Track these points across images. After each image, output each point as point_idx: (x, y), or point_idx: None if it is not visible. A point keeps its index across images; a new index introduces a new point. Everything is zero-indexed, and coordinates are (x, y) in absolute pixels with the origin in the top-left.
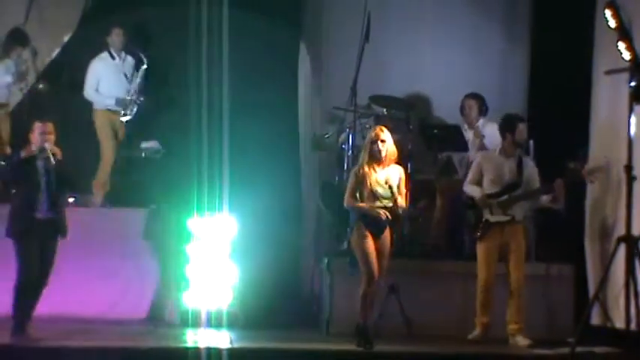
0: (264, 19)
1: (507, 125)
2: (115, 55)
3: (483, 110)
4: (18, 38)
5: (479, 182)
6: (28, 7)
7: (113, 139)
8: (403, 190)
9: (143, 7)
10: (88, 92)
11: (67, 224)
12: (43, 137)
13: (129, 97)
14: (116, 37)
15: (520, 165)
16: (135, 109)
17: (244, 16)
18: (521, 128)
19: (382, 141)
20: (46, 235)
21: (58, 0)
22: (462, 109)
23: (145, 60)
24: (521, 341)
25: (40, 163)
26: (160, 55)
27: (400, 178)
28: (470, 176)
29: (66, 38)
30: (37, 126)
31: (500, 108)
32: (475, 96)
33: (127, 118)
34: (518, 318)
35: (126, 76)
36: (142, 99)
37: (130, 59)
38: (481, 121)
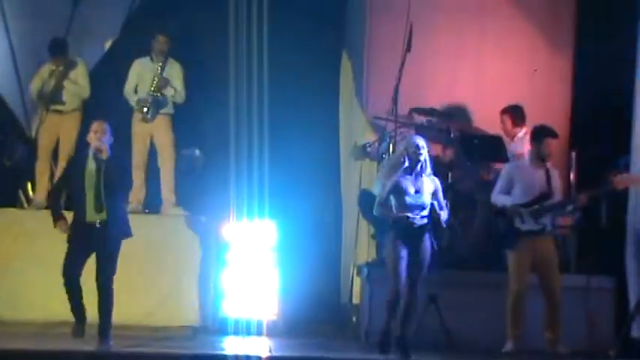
0: (305, 30)
1: (534, 136)
2: (154, 58)
3: (518, 122)
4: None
5: (508, 192)
6: (71, 16)
7: (144, 145)
8: (442, 199)
9: (185, 13)
10: (127, 92)
11: (123, 224)
12: (93, 136)
13: (149, 98)
14: (159, 44)
15: (548, 175)
16: (153, 113)
17: (286, 26)
18: (549, 142)
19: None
20: (98, 237)
21: (100, 7)
22: (501, 123)
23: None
24: (560, 349)
25: (92, 164)
26: (202, 61)
27: (436, 188)
28: (499, 186)
29: (108, 45)
30: (92, 126)
31: (544, 117)
32: (507, 111)
33: (147, 118)
34: (555, 328)
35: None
36: (164, 102)
37: (169, 64)
38: (522, 132)
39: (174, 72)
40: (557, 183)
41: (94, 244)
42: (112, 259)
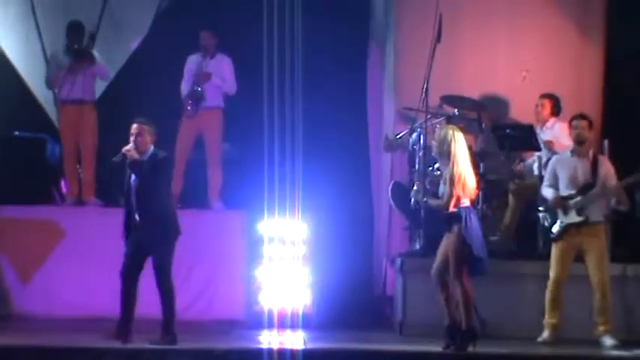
0: (334, 21)
1: (570, 124)
2: (204, 54)
3: (555, 111)
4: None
5: (554, 185)
6: (101, 12)
7: (191, 140)
8: (446, 187)
9: (213, 12)
10: (182, 87)
11: (171, 224)
12: (131, 139)
13: (190, 93)
14: (205, 39)
15: (595, 165)
16: (194, 107)
17: (314, 17)
18: (575, 124)
19: None
20: (145, 238)
21: (130, 4)
22: (536, 107)
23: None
24: (608, 341)
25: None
26: (231, 58)
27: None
28: (546, 180)
29: (138, 42)
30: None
31: (575, 105)
32: (549, 96)
33: (188, 112)
34: (606, 319)
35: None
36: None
37: (218, 58)
38: (551, 121)
39: (223, 65)
40: (607, 171)
41: (144, 245)
42: (164, 258)
